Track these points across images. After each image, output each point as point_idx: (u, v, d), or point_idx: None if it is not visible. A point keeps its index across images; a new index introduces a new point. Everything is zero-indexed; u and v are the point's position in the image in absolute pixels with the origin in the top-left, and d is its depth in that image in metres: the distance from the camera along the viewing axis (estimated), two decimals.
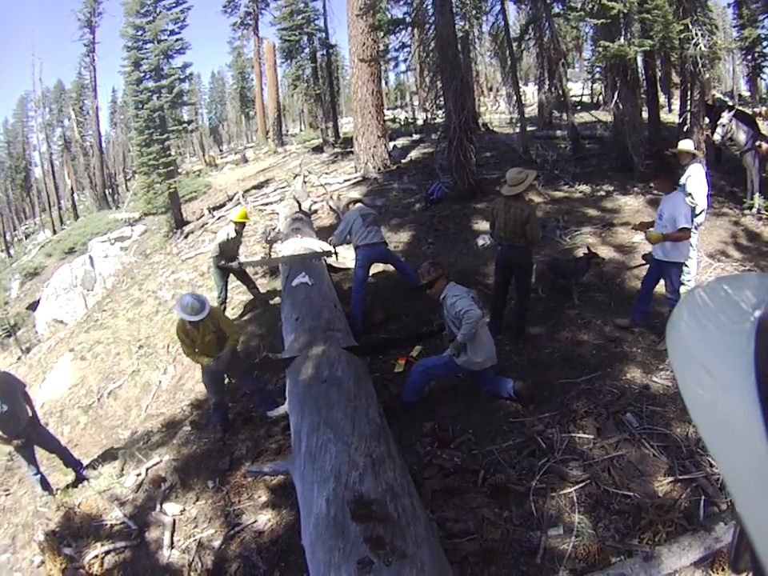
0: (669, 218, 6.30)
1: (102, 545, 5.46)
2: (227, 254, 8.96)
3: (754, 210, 10.04)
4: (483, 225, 9.87)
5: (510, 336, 6.98)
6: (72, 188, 43.43)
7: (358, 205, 8.46)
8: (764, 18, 20.95)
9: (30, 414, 6.55)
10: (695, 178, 7.46)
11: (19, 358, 14.22)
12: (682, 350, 0.63)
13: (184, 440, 6.82)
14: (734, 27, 25.03)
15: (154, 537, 5.40)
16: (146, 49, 18.16)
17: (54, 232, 38.68)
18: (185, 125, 19.96)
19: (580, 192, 11.62)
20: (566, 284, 7.92)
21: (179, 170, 22.38)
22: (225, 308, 9.20)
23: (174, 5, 18.72)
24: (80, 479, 6.77)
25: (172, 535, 5.28)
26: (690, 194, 7.43)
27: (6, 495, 7.37)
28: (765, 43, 21.65)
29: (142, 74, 18.05)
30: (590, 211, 10.76)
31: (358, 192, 14.04)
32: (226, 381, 6.83)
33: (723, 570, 3.63)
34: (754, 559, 0.53)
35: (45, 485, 6.62)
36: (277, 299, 9.19)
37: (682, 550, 3.71)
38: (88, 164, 43.84)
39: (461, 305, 5.43)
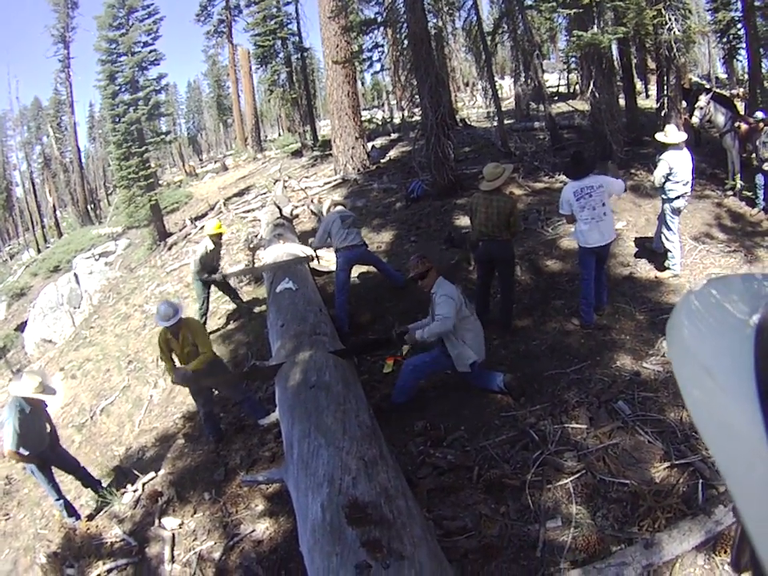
0: None
1: (104, 563, 5.43)
2: (208, 266, 8.95)
3: (736, 191, 10.09)
4: (464, 220, 9.87)
5: (496, 330, 6.96)
6: (54, 205, 43.16)
7: (338, 207, 8.48)
8: (737, 0, 21.08)
9: (49, 431, 6.30)
10: (662, 161, 7.57)
11: (10, 380, 14.06)
12: (683, 354, 0.65)
13: (178, 453, 6.79)
14: (708, 11, 25.19)
15: (154, 552, 5.36)
16: (120, 62, 18.03)
17: (39, 251, 38.41)
18: (163, 136, 19.86)
19: (560, 182, 11.60)
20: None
21: (160, 182, 22.25)
22: (206, 320, 9.21)
23: (146, 16, 18.61)
24: (101, 497, 6.44)
25: (172, 549, 5.25)
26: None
27: (6, 519, 7.28)
28: (739, 25, 21.77)
29: (118, 87, 17.93)
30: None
31: (338, 194, 14.07)
32: (215, 392, 6.80)
33: (726, 552, 3.63)
34: (753, 558, 0.54)
35: (70, 510, 6.29)
36: (262, 307, 9.16)
37: (683, 535, 3.71)
38: (69, 180, 43.52)
39: (444, 309, 5.44)
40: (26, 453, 5.89)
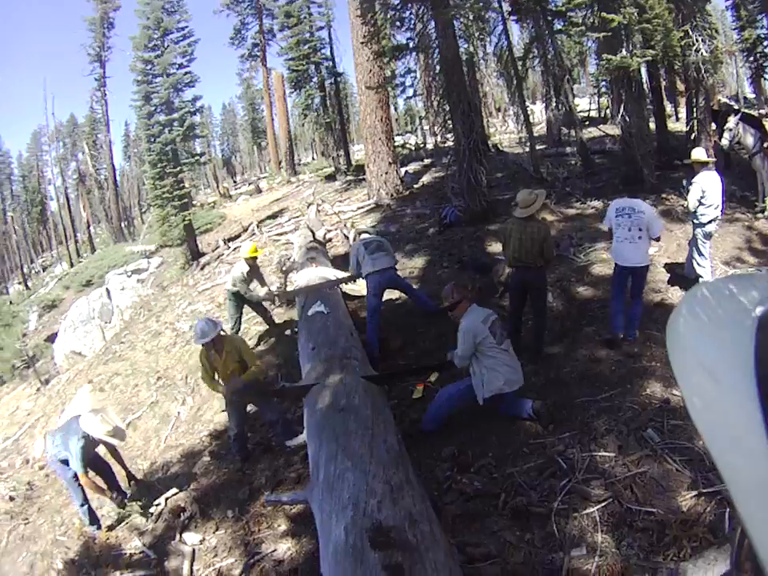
0: None
1: (122, 573, 5.48)
2: (247, 287, 9.07)
3: (767, 213, 9.96)
4: (497, 246, 9.84)
5: (527, 356, 6.92)
6: (88, 221, 43.97)
7: (363, 235, 8.57)
8: (762, 18, 20.95)
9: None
10: (694, 185, 7.55)
11: (38, 390, 14.24)
12: (680, 348, 0.63)
13: (203, 470, 6.82)
14: (734, 30, 25.12)
15: (173, 566, 5.38)
16: (155, 83, 18.36)
17: (71, 265, 39.06)
18: (197, 157, 20.09)
19: (592, 208, 11.58)
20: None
21: (193, 202, 22.54)
22: None
23: (181, 38, 18.97)
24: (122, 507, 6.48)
25: (192, 564, 5.27)
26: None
27: (26, 524, 7.31)
28: (765, 43, 21.62)
29: (153, 108, 18.23)
30: (602, 227, 10.72)
31: (371, 219, 14.16)
32: (248, 408, 6.83)
33: None
34: (754, 560, 0.53)
35: (92, 517, 6.32)
36: (293, 329, 9.22)
37: (708, 564, 3.61)
38: (103, 197, 44.45)
39: (459, 348, 5.62)
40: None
